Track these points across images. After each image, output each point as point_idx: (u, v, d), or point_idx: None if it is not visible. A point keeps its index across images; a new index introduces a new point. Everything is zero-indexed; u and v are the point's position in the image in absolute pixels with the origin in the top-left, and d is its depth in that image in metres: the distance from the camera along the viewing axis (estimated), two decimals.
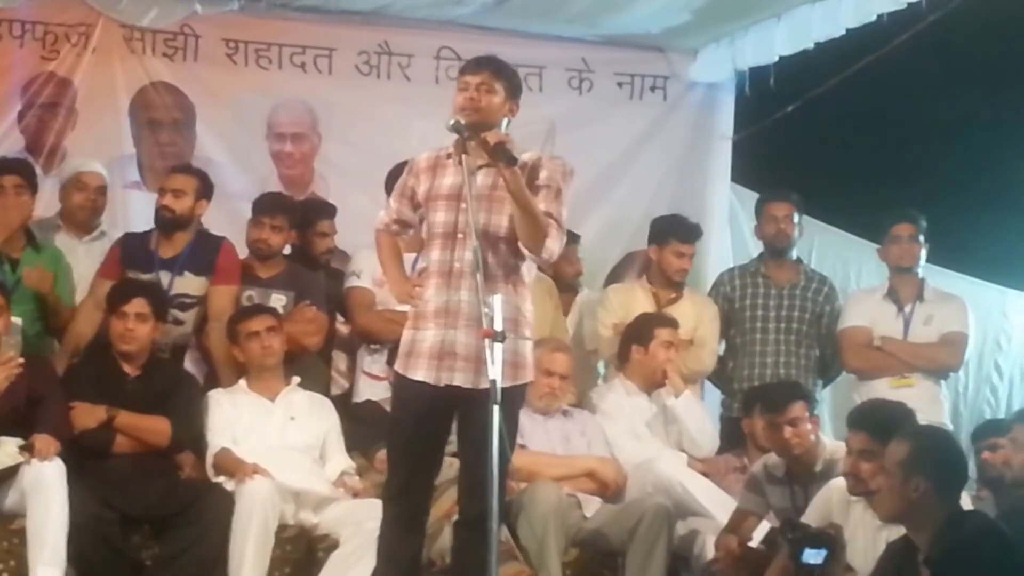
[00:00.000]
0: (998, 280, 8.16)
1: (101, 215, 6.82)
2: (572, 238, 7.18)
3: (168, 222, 6.33)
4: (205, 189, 6.44)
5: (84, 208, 6.71)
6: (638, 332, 6.67)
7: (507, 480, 5.32)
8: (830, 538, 5.06)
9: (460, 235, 4.85)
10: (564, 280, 7.18)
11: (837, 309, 7.10)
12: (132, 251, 6.35)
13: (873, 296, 7.03)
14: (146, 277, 6.30)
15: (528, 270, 5.01)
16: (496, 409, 4.46)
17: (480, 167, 4.86)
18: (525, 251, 4.89)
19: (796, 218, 7.09)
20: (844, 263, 8.04)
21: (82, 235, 6.70)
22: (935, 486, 4.47)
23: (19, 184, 6.26)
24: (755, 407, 6.30)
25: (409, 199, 5.05)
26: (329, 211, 6.99)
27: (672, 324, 6.69)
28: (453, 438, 5.11)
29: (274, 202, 6.71)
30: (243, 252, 6.65)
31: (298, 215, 6.75)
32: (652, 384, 6.65)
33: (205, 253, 6.40)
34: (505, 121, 4.92)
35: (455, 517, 5.16)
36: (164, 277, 6.32)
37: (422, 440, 4.98)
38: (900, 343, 6.86)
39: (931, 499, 4.46)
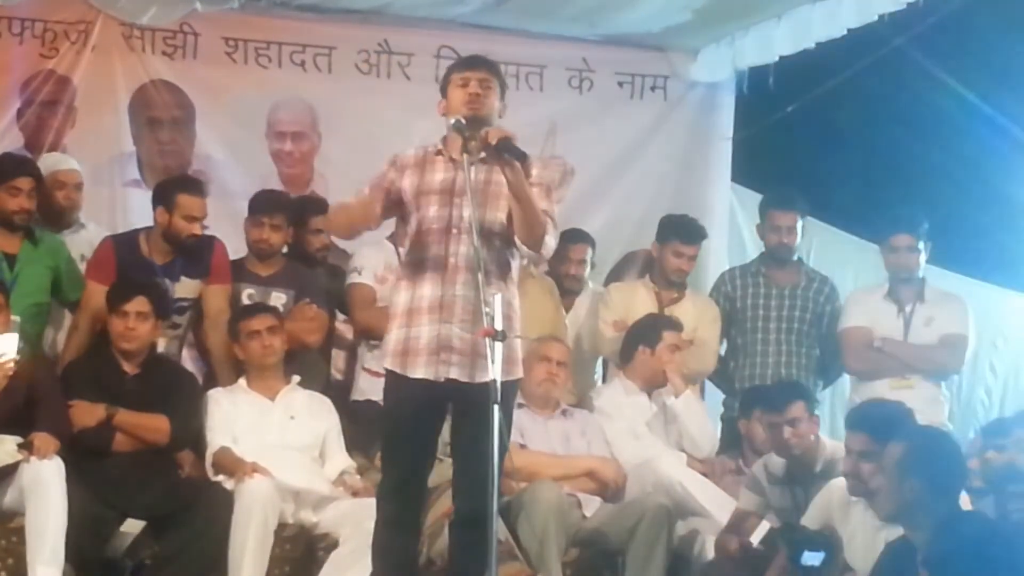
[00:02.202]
0: (996, 280, 8.14)
1: (79, 211, 6.74)
2: (581, 237, 7.20)
3: (192, 244, 6.31)
4: None
5: (64, 207, 6.63)
6: (645, 333, 6.66)
7: (505, 479, 5.33)
8: (828, 540, 5.06)
9: (455, 230, 4.84)
10: (561, 283, 7.17)
11: (838, 309, 7.08)
12: (126, 257, 6.29)
13: (874, 296, 7.00)
14: None
15: (516, 266, 5.00)
16: (496, 409, 4.45)
17: (473, 163, 4.84)
18: (523, 247, 4.88)
19: (800, 225, 7.07)
20: (843, 263, 8.01)
21: (59, 230, 6.61)
22: (930, 487, 4.48)
23: (33, 187, 6.23)
24: (752, 409, 6.30)
25: (386, 191, 4.95)
26: (323, 207, 6.93)
27: (678, 328, 6.70)
28: (445, 438, 5.12)
29: (272, 200, 6.71)
30: (241, 250, 6.65)
31: (294, 212, 6.75)
32: (653, 385, 6.65)
33: (199, 255, 6.37)
34: (497, 121, 4.92)
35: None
36: (162, 283, 6.28)
37: (419, 438, 4.96)
38: (900, 344, 6.84)
39: (926, 500, 4.47)
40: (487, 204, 4.85)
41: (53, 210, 6.57)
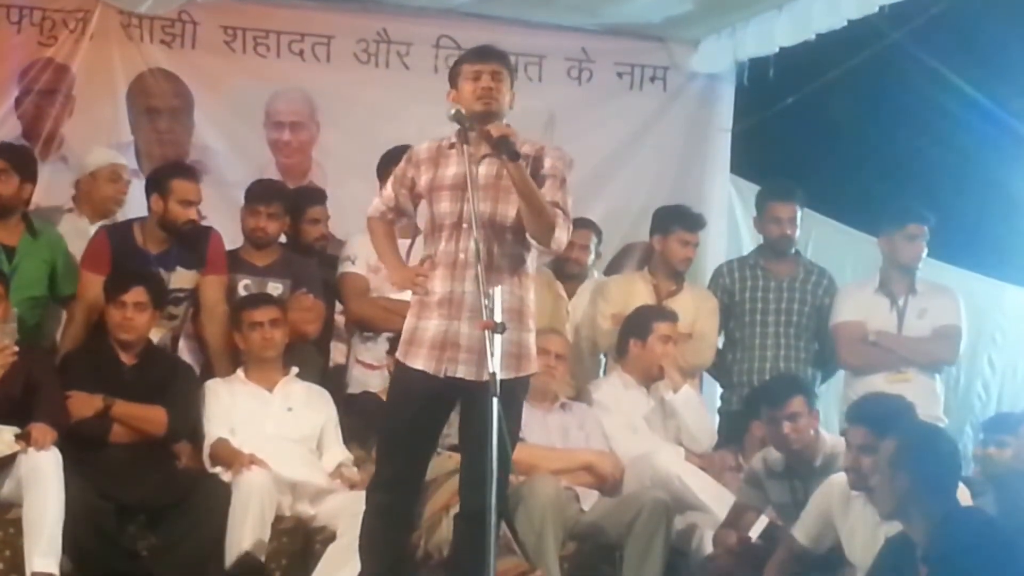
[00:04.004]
0: (995, 274, 8.14)
1: (124, 206, 6.83)
2: (584, 224, 7.19)
3: (188, 232, 6.28)
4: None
5: (115, 200, 6.73)
6: (636, 325, 6.64)
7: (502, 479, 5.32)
8: None
9: (465, 225, 4.81)
10: (563, 268, 7.15)
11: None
12: (121, 248, 6.27)
13: (865, 289, 6.99)
14: None
15: (532, 260, 4.98)
16: (496, 401, 4.45)
17: (484, 156, 4.83)
18: (533, 242, 4.87)
19: (799, 216, 7.06)
20: (841, 255, 7.99)
21: (96, 220, 6.66)
22: (923, 483, 4.47)
23: (3, 168, 6.15)
24: (760, 408, 6.23)
25: (409, 189, 5.02)
26: (319, 197, 6.96)
27: (671, 318, 6.66)
28: (453, 430, 5.09)
29: (268, 190, 6.68)
30: (237, 240, 6.63)
31: (290, 201, 6.73)
32: (649, 378, 6.61)
33: (195, 246, 6.35)
34: (508, 112, 4.90)
35: (453, 509, 5.14)
36: (159, 274, 6.26)
37: (418, 431, 4.94)
38: (895, 337, 6.83)
39: (920, 496, 4.47)
40: (498, 199, 4.82)
41: (101, 200, 6.69)
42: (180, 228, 6.26)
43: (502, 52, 4.96)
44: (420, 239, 5.42)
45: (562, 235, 4.86)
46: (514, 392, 4.73)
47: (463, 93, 4.85)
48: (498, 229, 4.82)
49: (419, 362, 4.85)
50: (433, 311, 4.86)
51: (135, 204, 6.98)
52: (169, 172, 6.44)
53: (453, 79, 4.94)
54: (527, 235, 4.84)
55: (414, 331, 4.90)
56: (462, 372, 4.82)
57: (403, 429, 4.94)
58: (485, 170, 4.84)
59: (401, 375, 4.94)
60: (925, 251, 6.88)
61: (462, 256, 4.82)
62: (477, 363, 4.77)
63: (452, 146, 4.90)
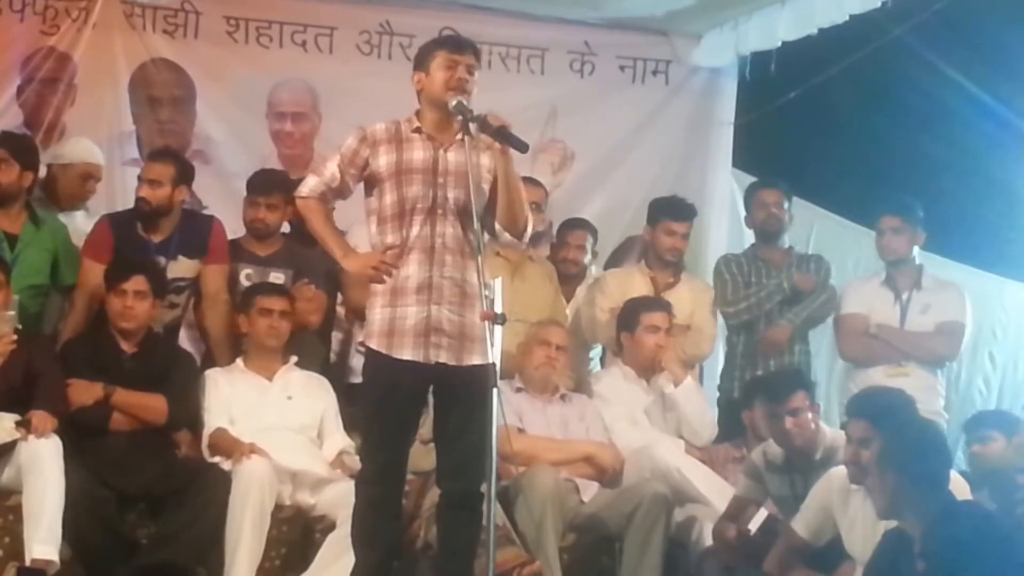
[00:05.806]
0: (996, 270, 8.14)
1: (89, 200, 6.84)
2: (580, 224, 7.18)
3: (146, 214, 6.27)
4: (183, 175, 6.36)
5: (83, 195, 6.72)
6: (625, 318, 6.65)
7: (503, 463, 5.34)
8: None
9: (440, 211, 4.85)
10: (559, 269, 7.14)
11: (832, 287, 7.06)
12: (123, 236, 6.27)
13: (871, 283, 6.99)
14: None
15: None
16: (496, 392, 4.48)
17: (452, 144, 4.88)
18: (504, 234, 4.96)
19: (786, 205, 7.08)
20: (843, 250, 7.99)
21: (64, 208, 6.66)
22: (909, 479, 4.47)
23: (4, 157, 6.16)
24: (755, 398, 6.25)
25: (359, 169, 4.97)
26: None
27: (661, 308, 6.64)
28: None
29: (267, 180, 6.65)
30: (240, 231, 6.62)
31: (292, 192, 6.71)
32: (647, 370, 6.61)
33: (196, 235, 6.36)
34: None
35: None
36: (159, 262, 6.26)
37: (405, 421, 4.96)
38: (896, 331, 6.82)
39: (911, 493, 4.47)
40: (469, 186, 4.81)
41: (68, 194, 6.65)
42: (138, 206, 6.25)
43: (477, 46, 5.02)
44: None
45: (530, 228, 5.00)
46: (488, 379, 4.72)
47: (434, 79, 4.90)
48: (468, 216, 4.82)
49: (406, 352, 4.84)
50: (410, 297, 4.84)
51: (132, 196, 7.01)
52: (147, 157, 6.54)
53: (423, 63, 4.96)
54: (497, 225, 4.92)
55: (391, 320, 4.86)
56: (445, 357, 4.84)
57: (392, 421, 4.94)
58: (453, 158, 4.87)
59: (384, 367, 4.89)
60: (907, 243, 6.85)
61: (439, 241, 4.83)
62: (458, 348, 4.83)
63: (417, 130, 4.92)
